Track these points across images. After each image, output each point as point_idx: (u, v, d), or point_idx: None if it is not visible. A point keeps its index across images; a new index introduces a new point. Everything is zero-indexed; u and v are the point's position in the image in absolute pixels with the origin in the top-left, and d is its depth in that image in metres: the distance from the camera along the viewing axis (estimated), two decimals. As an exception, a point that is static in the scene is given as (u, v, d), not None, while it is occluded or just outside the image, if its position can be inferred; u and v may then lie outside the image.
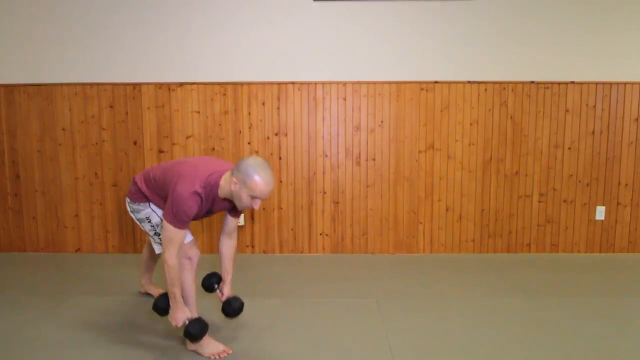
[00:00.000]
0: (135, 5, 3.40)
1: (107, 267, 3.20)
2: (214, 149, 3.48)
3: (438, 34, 3.42)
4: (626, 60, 3.42)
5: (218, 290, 2.24)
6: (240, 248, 3.57)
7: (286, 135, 3.49)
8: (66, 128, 3.48)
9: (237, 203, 1.90)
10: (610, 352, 2.02)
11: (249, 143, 3.49)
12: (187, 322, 1.93)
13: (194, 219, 1.97)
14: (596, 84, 3.44)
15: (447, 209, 3.54)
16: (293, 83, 3.45)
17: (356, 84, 3.45)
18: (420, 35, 3.42)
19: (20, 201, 3.54)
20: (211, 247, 3.56)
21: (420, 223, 3.54)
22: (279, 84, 3.45)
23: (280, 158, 3.50)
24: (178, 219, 1.84)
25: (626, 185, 3.51)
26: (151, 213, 2.15)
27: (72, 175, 3.51)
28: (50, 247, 3.58)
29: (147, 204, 2.15)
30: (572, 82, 3.44)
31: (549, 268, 3.19)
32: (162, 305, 2.04)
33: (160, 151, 3.48)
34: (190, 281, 2.06)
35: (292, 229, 3.55)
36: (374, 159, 3.50)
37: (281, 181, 3.51)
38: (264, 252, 3.57)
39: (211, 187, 1.91)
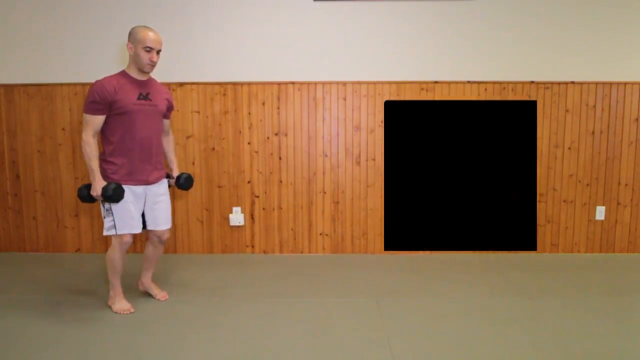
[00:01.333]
0: (135, 6, 3.40)
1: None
2: (214, 149, 3.48)
3: (438, 34, 3.42)
4: (626, 60, 3.42)
5: (170, 179, 2.59)
6: (240, 248, 3.57)
7: (286, 135, 3.49)
8: (66, 128, 3.48)
9: (140, 65, 2.26)
10: (611, 352, 2.02)
11: (249, 143, 3.49)
12: (105, 185, 2.20)
13: (133, 110, 2.25)
14: (596, 84, 3.44)
15: (447, 209, 3.53)
16: (293, 83, 3.45)
17: (356, 84, 3.45)
18: (420, 35, 3.42)
19: (20, 201, 3.54)
20: (210, 247, 3.56)
21: (420, 223, 3.54)
22: (279, 84, 3.45)
23: (280, 158, 3.50)
24: (89, 107, 2.20)
25: (626, 185, 3.51)
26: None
27: (72, 175, 3.51)
28: (50, 247, 3.58)
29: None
30: (572, 82, 3.44)
31: (549, 268, 3.19)
32: (83, 194, 2.28)
33: (160, 151, 3.48)
34: (121, 260, 2.43)
35: (292, 229, 3.56)
36: (374, 159, 3.50)
37: (281, 181, 3.51)
38: (264, 252, 3.57)
39: (118, 74, 2.29)
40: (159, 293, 2.63)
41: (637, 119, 3.47)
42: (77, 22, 3.41)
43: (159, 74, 3.43)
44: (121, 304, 2.45)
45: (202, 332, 2.22)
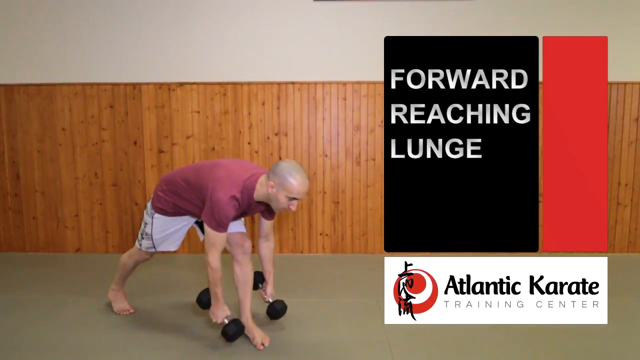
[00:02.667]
0: (136, 6, 3.40)
1: (107, 267, 3.20)
2: (214, 149, 3.48)
3: (438, 33, 3.41)
4: (626, 60, 3.42)
5: (261, 290, 2.36)
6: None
7: (286, 135, 3.49)
8: (66, 128, 3.48)
9: (273, 205, 1.98)
10: (611, 352, 2.02)
11: (249, 143, 3.49)
12: (225, 321, 2.04)
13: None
14: (596, 84, 3.43)
15: (447, 209, 3.53)
16: (293, 83, 3.45)
17: (356, 84, 3.45)
18: (421, 34, 3.41)
19: (20, 201, 3.54)
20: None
21: (420, 223, 3.54)
22: (279, 84, 3.45)
23: (280, 158, 3.50)
24: (218, 223, 1.93)
25: (626, 185, 3.51)
26: (150, 222, 2.21)
27: (72, 175, 3.51)
28: (50, 247, 3.58)
29: (154, 213, 2.21)
30: (572, 82, 3.44)
31: (549, 268, 3.19)
32: (204, 300, 2.26)
33: (160, 151, 3.48)
34: (133, 267, 2.34)
35: (292, 229, 3.55)
36: (374, 159, 3.50)
37: (281, 181, 3.51)
38: (264, 252, 3.57)
39: (248, 191, 1.97)
40: (256, 337, 2.10)
41: (637, 119, 3.47)
42: (78, 22, 3.41)
43: (159, 74, 3.44)
44: (121, 305, 2.45)
45: (202, 332, 2.22)
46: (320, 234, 3.56)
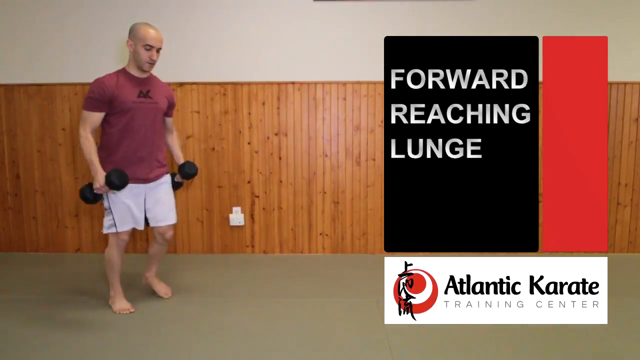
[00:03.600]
0: (135, 5, 3.40)
1: (107, 267, 3.20)
2: (214, 149, 3.48)
3: (438, 34, 3.41)
4: (626, 60, 3.42)
5: (177, 177, 2.58)
6: (240, 248, 3.57)
7: (286, 135, 3.49)
8: (66, 128, 3.48)
9: (139, 63, 2.26)
10: (611, 352, 2.02)
11: (249, 143, 3.49)
12: (106, 179, 2.16)
13: (133, 108, 2.24)
14: (596, 84, 3.43)
15: (447, 209, 3.53)
16: (293, 83, 3.45)
17: (356, 84, 3.45)
18: (421, 34, 3.42)
19: (20, 201, 3.54)
20: (210, 247, 3.56)
21: (420, 223, 3.54)
22: (279, 84, 3.45)
23: (280, 158, 3.50)
24: (88, 103, 2.21)
25: (626, 185, 3.51)
26: (106, 196, 2.31)
27: (72, 175, 3.51)
28: (50, 247, 3.58)
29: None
30: (572, 82, 3.44)
31: (549, 268, 3.19)
32: (87, 195, 2.25)
33: (160, 151, 3.48)
34: (119, 257, 2.40)
35: (292, 229, 3.55)
36: (374, 159, 3.50)
37: (281, 181, 3.51)
38: (264, 252, 3.57)
39: (118, 72, 2.28)
40: (161, 289, 2.63)
41: (637, 119, 3.47)
42: (78, 21, 3.41)
43: (159, 74, 3.42)
44: (121, 304, 2.45)
45: (202, 332, 2.22)
46: (320, 234, 3.56)
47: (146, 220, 2.42)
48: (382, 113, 3.48)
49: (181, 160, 2.59)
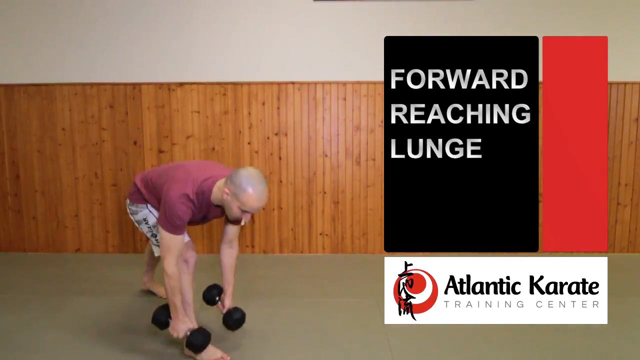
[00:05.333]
0: (136, 5, 3.40)
1: (107, 267, 3.20)
2: (214, 149, 3.48)
3: (438, 34, 3.41)
4: (626, 60, 3.42)
5: (219, 302, 2.18)
6: (240, 248, 3.55)
7: (286, 135, 3.49)
8: (66, 128, 3.48)
9: (227, 212, 1.89)
10: (611, 352, 2.02)
11: (249, 143, 3.49)
12: (188, 333, 1.89)
13: (189, 224, 1.95)
14: (596, 84, 3.43)
15: (447, 209, 3.53)
16: (293, 83, 3.45)
17: (356, 84, 3.45)
18: (421, 34, 3.42)
19: (20, 201, 3.54)
20: (211, 247, 3.56)
21: (420, 223, 3.54)
22: (279, 84, 3.45)
23: (280, 158, 3.50)
24: (172, 224, 1.82)
25: (626, 185, 3.51)
26: (148, 214, 2.12)
27: (72, 175, 3.51)
28: (50, 247, 3.58)
29: (145, 205, 2.13)
30: (572, 82, 3.44)
31: (549, 268, 3.19)
32: (161, 319, 1.97)
33: (160, 151, 3.48)
34: (188, 284, 2.03)
35: (292, 229, 3.55)
36: (374, 159, 3.50)
37: (281, 181, 3.51)
38: (264, 252, 3.57)
39: (204, 193, 1.87)
40: (161, 290, 2.59)
41: (637, 119, 3.47)
42: (78, 22, 3.41)
43: (159, 74, 3.44)
44: (212, 354, 1.98)
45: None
46: (320, 234, 3.56)
47: None
48: (382, 113, 3.47)
49: (229, 291, 2.18)
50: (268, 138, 3.49)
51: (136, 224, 2.20)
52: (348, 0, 3.39)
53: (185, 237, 2.00)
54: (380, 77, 3.51)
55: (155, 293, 2.62)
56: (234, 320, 2.09)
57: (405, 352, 2.02)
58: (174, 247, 1.85)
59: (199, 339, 1.88)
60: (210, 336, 1.93)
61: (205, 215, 2.01)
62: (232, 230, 2.13)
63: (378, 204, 3.53)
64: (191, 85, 3.45)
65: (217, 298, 2.18)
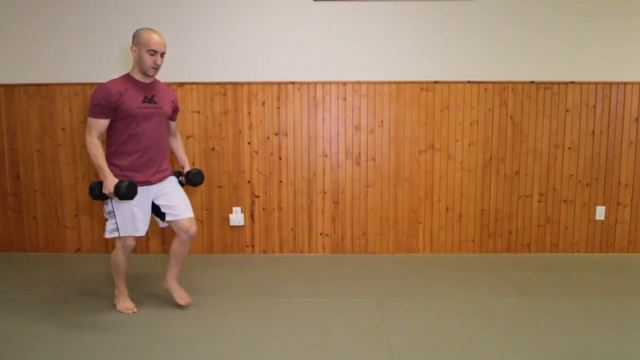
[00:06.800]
0: (136, 5, 3.40)
1: (108, 267, 3.20)
2: (214, 149, 3.48)
3: (438, 34, 3.42)
4: (626, 60, 3.42)
5: (182, 178, 2.56)
6: (240, 248, 3.57)
7: (286, 135, 3.49)
8: (66, 128, 3.48)
9: (144, 69, 2.24)
10: (611, 352, 2.02)
11: (249, 143, 3.49)
12: (117, 184, 2.15)
13: (139, 114, 2.23)
14: (596, 84, 3.44)
15: (447, 209, 3.54)
16: (293, 83, 3.45)
17: (356, 84, 3.45)
18: (420, 35, 3.42)
19: (20, 201, 3.54)
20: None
21: (420, 223, 3.54)
22: (279, 84, 3.45)
23: (280, 158, 3.50)
24: (93, 110, 2.18)
25: (626, 185, 3.51)
26: (108, 201, 2.30)
27: (72, 175, 3.51)
28: (50, 247, 3.58)
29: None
30: (572, 82, 3.44)
31: (549, 268, 3.19)
32: (95, 189, 2.23)
33: (160, 151, 3.48)
34: (125, 261, 2.40)
35: (292, 229, 3.56)
36: (374, 159, 3.50)
37: (281, 181, 3.51)
38: (264, 252, 3.57)
39: (122, 77, 2.27)
40: (179, 295, 2.49)
41: (637, 119, 3.47)
42: (78, 22, 3.41)
43: (159, 74, 3.43)
44: (125, 303, 2.46)
45: (202, 332, 2.22)
46: (320, 234, 3.56)
47: (163, 216, 2.39)
48: (382, 113, 3.48)
49: (186, 164, 2.57)
50: (268, 138, 3.49)
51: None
52: (348, 0, 3.39)
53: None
54: (380, 77, 3.53)
55: (174, 298, 2.49)
56: (193, 173, 2.51)
57: (405, 352, 2.02)
58: (94, 127, 2.20)
59: (124, 183, 2.14)
60: (136, 186, 2.18)
61: (147, 96, 2.28)
62: (172, 124, 2.54)
63: (378, 204, 3.53)
64: (191, 85, 3.45)
65: (180, 178, 2.56)
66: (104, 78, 3.43)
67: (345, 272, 3.12)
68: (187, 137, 3.48)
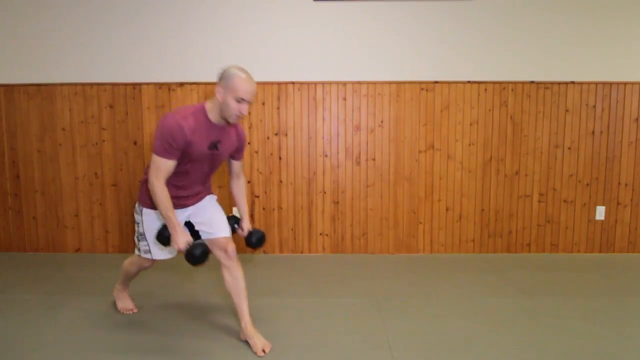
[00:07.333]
0: (136, 5, 3.40)
1: (107, 267, 3.20)
2: (214, 149, 3.48)
3: (438, 34, 3.42)
4: (626, 60, 3.42)
5: (239, 229, 2.29)
6: (240, 248, 3.57)
7: (286, 135, 3.49)
8: (66, 128, 3.48)
9: (226, 114, 1.94)
10: (610, 352, 2.02)
11: (249, 143, 3.49)
12: (188, 245, 1.95)
13: (199, 160, 2.00)
14: (596, 84, 3.44)
15: (447, 209, 3.54)
16: (293, 83, 3.45)
17: (356, 84, 3.45)
18: (420, 35, 3.42)
19: (20, 201, 3.54)
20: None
21: (420, 223, 3.54)
22: (279, 84, 3.45)
23: (280, 158, 3.50)
24: (163, 148, 1.88)
25: (626, 185, 3.51)
26: (141, 221, 2.17)
27: (72, 175, 3.51)
28: (50, 247, 3.58)
29: (142, 209, 2.15)
30: (572, 82, 3.44)
31: (549, 268, 3.19)
32: (165, 234, 2.01)
33: (160, 151, 3.48)
34: (137, 273, 2.37)
35: (292, 229, 3.55)
36: (374, 159, 3.50)
37: (281, 181, 3.51)
38: (264, 252, 3.57)
39: (196, 113, 1.95)
40: (257, 344, 2.03)
41: (637, 119, 3.47)
42: (78, 21, 3.41)
43: (159, 74, 3.44)
44: (125, 303, 2.46)
45: (203, 332, 2.22)
46: (320, 234, 3.56)
47: (197, 235, 2.19)
48: (382, 113, 3.48)
49: (245, 217, 2.30)
50: (268, 138, 3.49)
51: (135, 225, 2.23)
52: (348, 0, 3.39)
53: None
54: (380, 77, 3.53)
55: (251, 346, 2.06)
56: (256, 238, 2.23)
57: (405, 352, 2.02)
58: (162, 169, 1.91)
59: (198, 250, 1.93)
60: (209, 249, 1.98)
61: (213, 142, 2.01)
62: (236, 164, 2.25)
63: (378, 204, 3.53)
64: (191, 85, 3.45)
65: (235, 226, 2.29)
66: (103, 78, 3.44)
67: (345, 272, 3.12)
68: (187, 137, 3.47)
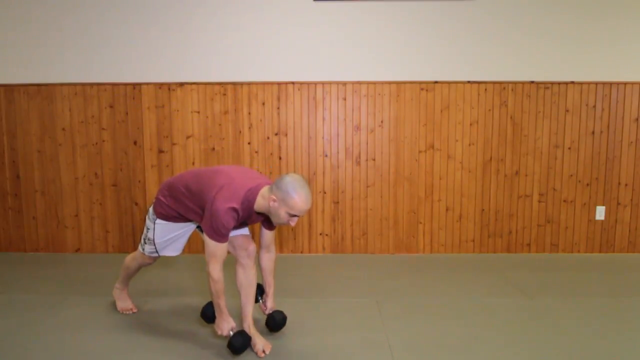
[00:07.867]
0: (136, 5, 3.40)
1: (107, 267, 3.20)
2: (214, 149, 3.48)
3: (438, 34, 3.42)
4: (626, 60, 3.42)
5: (261, 302, 2.28)
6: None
7: (286, 135, 3.49)
8: (66, 128, 3.48)
9: (273, 219, 1.94)
10: (611, 352, 2.02)
11: (249, 143, 3.49)
12: (231, 333, 1.97)
13: None
14: (596, 84, 3.44)
15: (447, 209, 3.54)
16: (293, 83, 3.45)
17: (356, 84, 3.45)
18: (421, 35, 3.42)
19: (20, 201, 3.54)
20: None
21: (420, 223, 3.54)
22: (279, 84, 3.45)
23: (280, 158, 3.50)
24: (217, 234, 1.88)
25: (626, 185, 3.51)
26: (153, 228, 2.19)
27: (72, 175, 3.51)
28: (50, 247, 3.58)
29: (155, 219, 2.17)
30: (572, 82, 3.44)
31: (549, 268, 3.19)
32: (209, 314, 2.14)
33: (160, 151, 3.48)
34: (137, 269, 2.36)
35: (292, 229, 3.55)
36: (374, 159, 3.50)
37: (281, 181, 3.51)
38: (264, 252, 3.57)
39: (248, 203, 1.92)
40: (257, 344, 2.03)
41: (637, 119, 3.47)
42: (78, 21, 3.41)
43: (159, 74, 3.44)
44: (124, 303, 2.46)
45: (203, 332, 2.22)
46: (320, 234, 3.56)
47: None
48: (382, 113, 3.48)
49: (271, 292, 2.27)
50: (268, 138, 3.49)
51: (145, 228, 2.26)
52: (348, 0, 3.39)
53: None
54: (380, 77, 3.53)
55: (251, 347, 2.06)
56: (276, 322, 2.19)
57: (405, 352, 2.02)
58: (219, 254, 1.94)
59: (239, 341, 1.93)
60: (250, 340, 1.99)
61: (246, 221, 2.05)
62: (268, 235, 2.22)
63: (378, 204, 3.53)
64: (191, 85, 3.45)
65: (259, 298, 2.28)
66: (103, 78, 3.44)
67: (345, 272, 3.12)
68: (187, 137, 3.48)
